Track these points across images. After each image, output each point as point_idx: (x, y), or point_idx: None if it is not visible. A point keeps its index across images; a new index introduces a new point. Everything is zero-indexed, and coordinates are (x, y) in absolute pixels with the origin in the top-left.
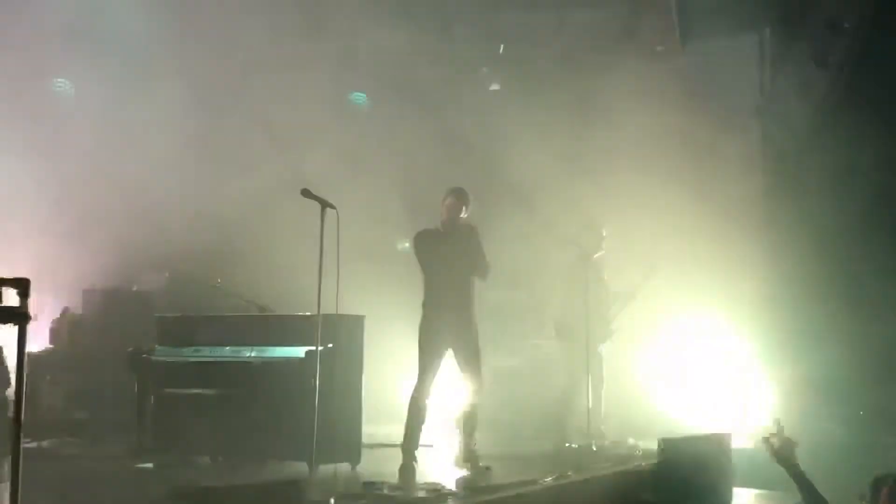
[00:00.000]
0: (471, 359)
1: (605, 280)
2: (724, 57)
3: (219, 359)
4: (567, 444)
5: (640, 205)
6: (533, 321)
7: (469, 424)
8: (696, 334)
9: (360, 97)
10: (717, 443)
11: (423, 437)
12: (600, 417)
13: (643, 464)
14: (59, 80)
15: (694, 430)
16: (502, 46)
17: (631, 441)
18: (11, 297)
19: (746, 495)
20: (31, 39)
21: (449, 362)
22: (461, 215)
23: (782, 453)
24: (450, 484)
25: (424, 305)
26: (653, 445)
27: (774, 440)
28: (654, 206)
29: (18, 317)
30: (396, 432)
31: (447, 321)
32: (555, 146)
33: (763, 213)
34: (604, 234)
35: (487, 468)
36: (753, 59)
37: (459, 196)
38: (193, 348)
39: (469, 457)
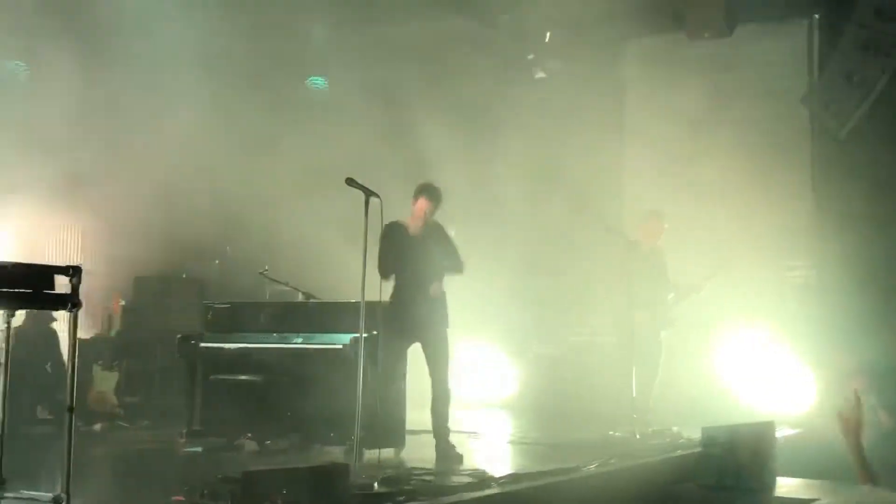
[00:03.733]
0: (439, 354)
1: (666, 269)
2: (772, 43)
3: (265, 345)
4: (610, 432)
5: (691, 193)
6: (575, 310)
7: (440, 417)
8: (743, 322)
9: (318, 81)
10: (761, 431)
11: (467, 424)
12: (648, 406)
13: (686, 452)
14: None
15: (738, 419)
16: (548, 34)
17: (674, 429)
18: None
19: (790, 484)
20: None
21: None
22: (429, 218)
23: (851, 427)
24: (493, 470)
25: (392, 300)
26: (696, 433)
27: (851, 413)
28: (702, 192)
29: (71, 304)
30: None
31: (416, 318)
32: (599, 133)
33: (813, 200)
34: (665, 227)
35: (461, 455)
36: (802, 46)
37: (432, 196)
38: (241, 335)
39: (445, 448)
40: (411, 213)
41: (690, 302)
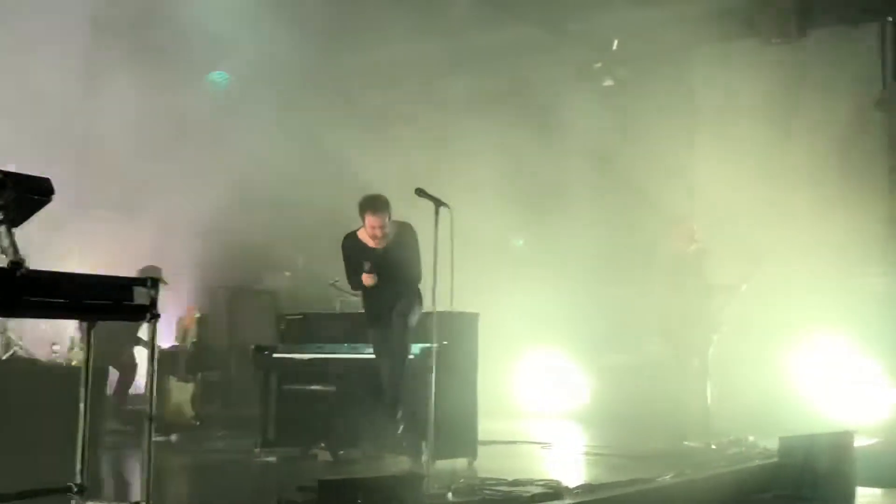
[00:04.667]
0: (397, 358)
1: (706, 274)
2: (845, 47)
3: (337, 356)
4: (685, 442)
5: (763, 199)
6: (647, 318)
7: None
8: (816, 329)
9: (220, 76)
10: (839, 440)
11: (539, 434)
12: (705, 415)
13: (763, 462)
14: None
15: (815, 428)
16: (616, 42)
17: (750, 439)
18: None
19: (869, 494)
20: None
21: (569, 361)
22: (387, 229)
23: None
24: (567, 480)
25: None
26: (773, 443)
27: None
28: (775, 199)
29: (150, 314)
30: (512, 428)
31: (380, 332)
32: (670, 140)
33: (887, 206)
34: (695, 229)
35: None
36: (875, 49)
37: (377, 210)
38: (314, 345)
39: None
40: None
41: (764, 308)
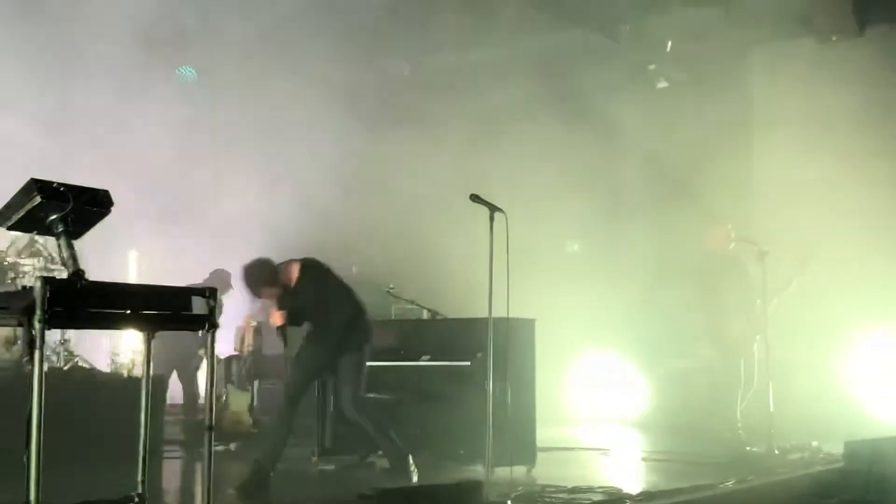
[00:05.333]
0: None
1: (747, 275)
2: None
3: (394, 363)
4: (748, 448)
5: (823, 200)
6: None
7: None
8: (875, 327)
9: (187, 72)
10: None
11: (598, 440)
12: (736, 417)
13: (827, 467)
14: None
15: (879, 432)
16: (669, 43)
17: (814, 444)
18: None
19: None
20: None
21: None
22: (274, 298)
23: None
24: (627, 487)
25: None
26: (836, 448)
27: None
28: (834, 198)
29: (208, 324)
30: (571, 435)
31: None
32: (727, 141)
33: None
34: (732, 233)
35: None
36: None
37: (252, 286)
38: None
39: None
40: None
41: (823, 309)
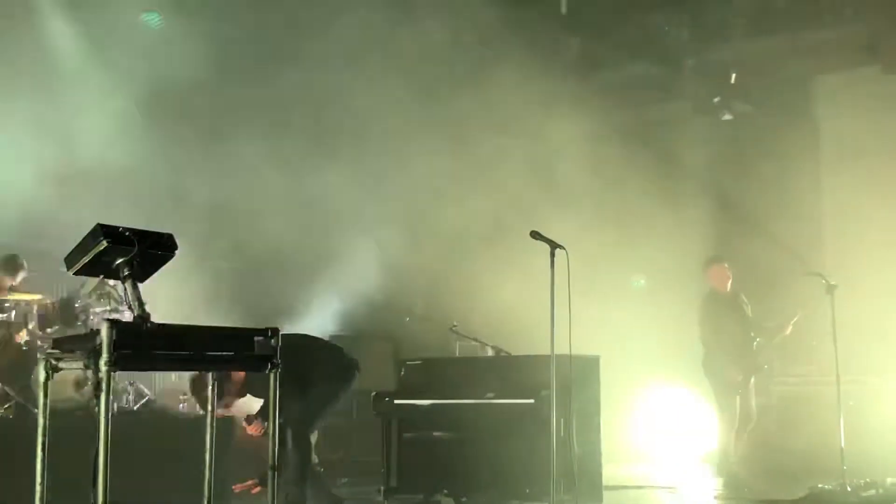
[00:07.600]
0: None
1: (746, 314)
2: None
3: (458, 401)
4: (819, 485)
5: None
6: (779, 358)
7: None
8: None
9: (151, 17)
10: None
11: (666, 478)
12: (730, 456)
13: None
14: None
15: None
16: (734, 75)
17: (889, 480)
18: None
19: None
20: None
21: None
22: None
23: None
24: None
25: None
26: None
27: None
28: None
29: (270, 363)
30: (637, 473)
31: None
32: (794, 172)
33: None
34: (726, 266)
35: None
36: None
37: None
38: (434, 391)
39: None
40: None
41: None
